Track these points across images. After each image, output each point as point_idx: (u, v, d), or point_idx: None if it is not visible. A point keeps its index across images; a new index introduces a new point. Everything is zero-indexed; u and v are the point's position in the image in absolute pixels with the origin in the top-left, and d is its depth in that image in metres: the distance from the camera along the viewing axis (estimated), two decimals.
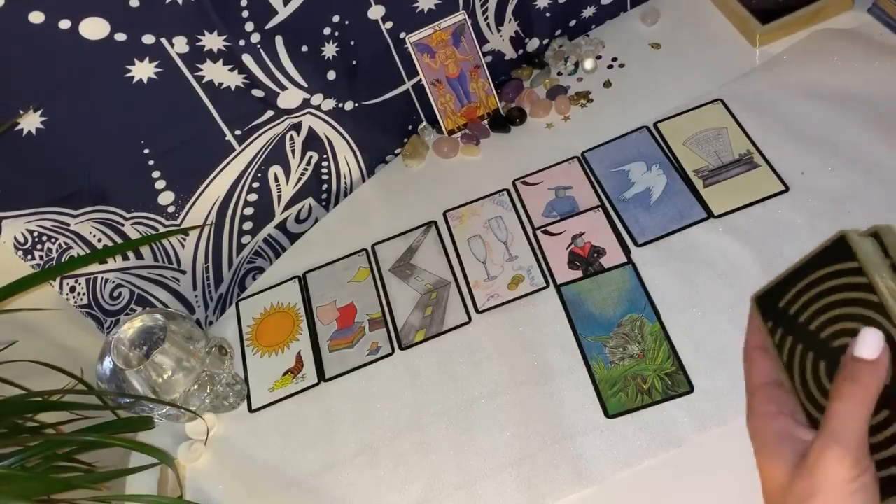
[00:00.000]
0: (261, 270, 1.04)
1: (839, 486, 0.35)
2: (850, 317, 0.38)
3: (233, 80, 0.85)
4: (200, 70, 0.82)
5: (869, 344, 0.35)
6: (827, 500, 0.35)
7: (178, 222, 0.92)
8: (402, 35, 0.95)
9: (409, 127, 1.07)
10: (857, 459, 0.35)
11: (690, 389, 0.75)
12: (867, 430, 0.35)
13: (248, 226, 1.00)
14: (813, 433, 0.38)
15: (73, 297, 0.88)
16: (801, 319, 0.40)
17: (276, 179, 0.98)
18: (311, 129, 0.96)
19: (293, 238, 1.06)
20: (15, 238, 0.81)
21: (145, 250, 0.92)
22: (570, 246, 0.89)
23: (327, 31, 0.88)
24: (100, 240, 0.87)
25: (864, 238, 0.39)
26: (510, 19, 1.02)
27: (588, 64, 1.05)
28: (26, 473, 0.72)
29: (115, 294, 0.92)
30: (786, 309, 0.41)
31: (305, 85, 0.90)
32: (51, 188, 0.81)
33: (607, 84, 1.03)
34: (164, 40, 0.77)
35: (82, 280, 0.88)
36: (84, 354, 0.91)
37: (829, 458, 0.35)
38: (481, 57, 1.00)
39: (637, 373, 0.77)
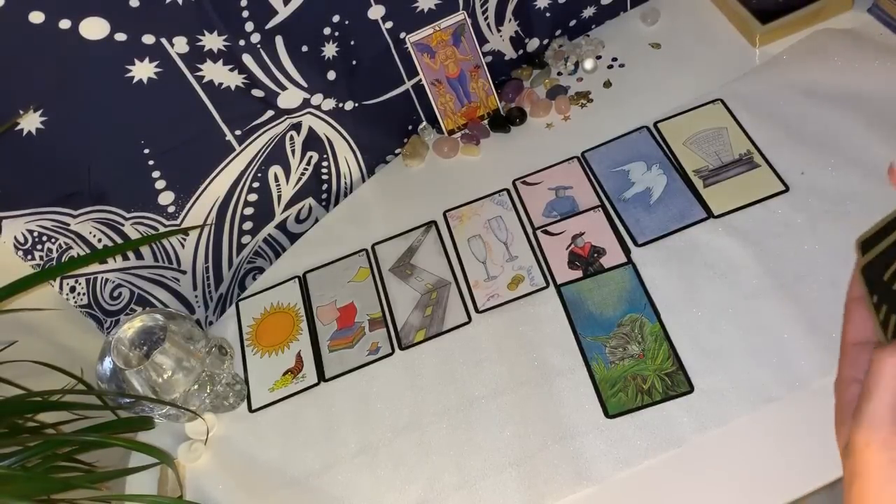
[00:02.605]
0: (261, 270, 1.04)
1: (877, 469, 0.34)
2: None
3: (233, 80, 0.85)
4: (200, 70, 0.82)
5: None
6: (868, 483, 0.34)
7: (178, 222, 0.92)
8: (402, 35, 0.95)
9: (409, 127, 1.07)
10: (888, 441, 0.34)
11: (690, 389, 0.75)
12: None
13: (248, 226, 1.00)
14: None
15: (73, 297, 0.88)
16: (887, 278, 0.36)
17: (276, 179, 0.98)
18: (311, 129, 0.96)
19: (293, 238, 1.06)
20: (15, 238, 0.81)
21: (145, 250, 0.92)
22: (570, 246, 0.89)
23: (327, 31, 0.88)
24: (100, 240, 0.87)
25: None
26: (510, 19, 1.02)
27: (588, 64, 1.05)
28: (26, 473, 0.72)
29: (115, 294, 0.92)
30: (880, 269, 0.37)
31: (305, 85, 0.90)
32: (51, 188, 0.81)
33: (607, 84, 1.03)
34: (164, 40, 0.77)
35: (82, 280, 0.88)
36: (84, 354, 0.91)
37: (858, 441, 0.34)
38: (481, 57, 1.00)
39: (637, 373, 0.77)
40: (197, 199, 0.92)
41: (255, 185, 0.96)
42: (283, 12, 0.83)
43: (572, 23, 1.08)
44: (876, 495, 0.34)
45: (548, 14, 1.05)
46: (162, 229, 0.91)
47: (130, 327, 0.81)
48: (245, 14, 0.80)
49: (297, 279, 0.98)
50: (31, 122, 0.75)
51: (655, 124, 0.96)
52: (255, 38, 0.82)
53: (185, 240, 0.94)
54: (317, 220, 1.05)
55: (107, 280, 0.91)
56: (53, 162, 0.79)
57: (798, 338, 0.75)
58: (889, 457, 0.34)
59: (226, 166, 0.92)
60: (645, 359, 0.78)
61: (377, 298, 0.92)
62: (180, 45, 0.78)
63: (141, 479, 0.84)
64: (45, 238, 0.83)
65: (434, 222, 0.97)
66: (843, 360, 0.39)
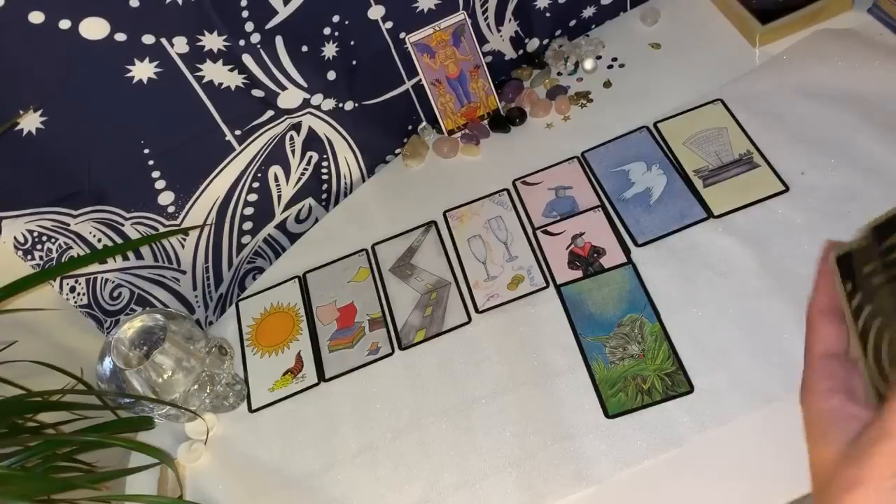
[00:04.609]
0: (261, 270, 1.04)
1: (887, 479, 0.33)
2: None
3: (233, 80, 0.85)
4: (200, 70, 0.82)
5: None
6: (870, 492, 0.34)
7: (178, 222, 0.92)
8: (402, 35, 0.95)
9: (409, 127, 1.07)
10: None
11: (690, 389, 0.75)
12: None
13: (248, 226, 1.00)
14: (868, 410, 0.36)
15: (73, 297, 0.88)
16: (880, 284, 0.35)
17: (276, 179, 0.98)
18: (311, 129, 0.96)
19: (293, 238, 1.06)
20: (15, 238, 0.81)
21: (145, 250, 0.92)
22: (570, 246, 0.89)
23: (327, 31, 0.88)
24: (100, 240, 0.87)
25: None
26: (510, 19, 1.02)
27: (588, 64, 1.05)
28: (26, 473, 0.72)
29: (115, 294, 0.92)
30: (866, 271, 0.36)
31: (305, 85, 0.90)
32: (51, 188, 0.81)
33: (607, 84, 1.03)
34: (164, 40, 0.77)
35: (82, 280, 0.88)
36: (84, 354, 0.91)
37: (882, 452, 0.33)
38: (481, 57, 1.00)
39: (637, 373, 0.77)
40: (197, 199, 0.92)
41: (255, 185, 0.96)
42: (283, 12, 0.83)
43: (572, 23, 1.08)
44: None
45: (548, 14, 1.05)
46: (162, 229, 0.91)
47: (130, 327, 0.81)
48: (245, 14, 0.80)
49: (297, 279, 0.98)
50: (31, 122, 0.75)
51: (655, 124, 0.96)
52: (255, 38, 0.82)
53: (185, 240, 0.94)
54: (317, 220, 1.05)
55: (107, 280, 0.91)
56: (53, 162, 0.79)
57: (798, 338, 0.74)
58: None
59: (226, 166, 0.92)
60: (645, 359, 0.78)
61: (377, 298, 0.92)
62: (180, 45, 0.78)
63: (141, 479, 0.84)
64: (45, 238, 0.83)
65: (434, 222, 0.97)
66: (812, 372, 0.39)
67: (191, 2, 0.76)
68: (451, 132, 1.05)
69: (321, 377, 0.88)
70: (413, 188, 1.03)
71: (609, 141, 0.97)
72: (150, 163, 0.85)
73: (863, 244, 0.36)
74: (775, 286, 0.78)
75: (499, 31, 1.02)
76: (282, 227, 1.05)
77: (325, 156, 1.01)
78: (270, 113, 0.91)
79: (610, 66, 1.05)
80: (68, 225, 0.84)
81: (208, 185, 0.92)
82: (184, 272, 0.97)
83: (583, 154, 0.97)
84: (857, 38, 0.94)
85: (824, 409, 0.37)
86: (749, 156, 0.89)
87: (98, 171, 0.82)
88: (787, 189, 0.85)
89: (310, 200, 1.05)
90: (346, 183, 1.06)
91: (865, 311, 0.36)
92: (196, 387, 0.82)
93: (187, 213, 0.92)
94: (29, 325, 0.88)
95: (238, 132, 0.90)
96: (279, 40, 0.84)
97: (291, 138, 0.96)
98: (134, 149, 0.83)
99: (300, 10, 0.84)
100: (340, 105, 0.96)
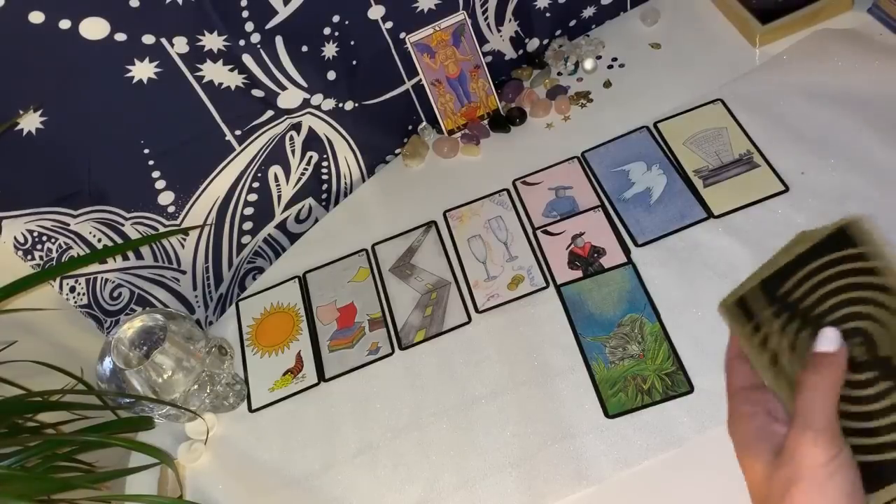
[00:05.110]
0: (261, 270, 1.04)
1: (818, 468, 0.37)
2: (854, 300, 0.40)
3: (233, 80, 0.85)
4: (200, 70, 0.82)
5: (829, 339, 0.39)
6: (808, 485, 0.37)
7: (178, 222, 0.92)
8: (402, 35, 0.95)
9: (409, 127, 1.07)
10: (831, 440, 0.37)
11: (690, 389, 0.75)
12: (836, 415, 0.38)
13: (248, 226, 1.00)
14: (785, 424, 0.40)
15: (73, 297, 0.88)
16: (805, 305, 0.42)
17: (276, 179, 0.98)
18: (311, 129, 0.96)
19: (293, 238, 1.06)
20: (15, 238, 0.81)
21: (145, 250, 0.92)
22: (570, 246, 0.89)
23: (327, 31, 0.88)
24: (100, 240, 0.87)
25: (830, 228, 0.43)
26: (510, 19, 1.02)
27: (588, 64, 1.05)
28: (26, 473, 0.72)
29: (115, 294, 0.92)
30: (785, 297, 0.43)
31: (305, 85, 0.90)
32: (51, 188, 0.81)
33: (607, 84, 1.03)
34: (164, 40, 0.77)
35: (82, 280, 0.88)
36: (84, 354, 0.91)
37: (804, 442, 0.37)
38: (481, 57, 1.00)
39: (637, 373, 0.77)
40: (197, 199, 0.92)
41: (255, 185, 0.96)
42: (283, 12, 0.83)
43: (572, 23, 1.08)
44: (820, 492, 0.37)
45: (548, 14, 1.05)
46: (162, 229, 0.91)
47: (130, 327, 0.81)
48: (245, 14, 0.80)
49: (297, 279, 0.98)
50: (31, 122, 0.75)
51: (655, 124, 0.96)
52: (255, 38, 0.82)
53: (185, 240, 0.94)
54: (317, 220, 1.05)
55: (107, 280, 0.91)
56: (53, 162, 0.79)
57: None
58: (829, 455, 0.37)
59: (226, 166, 0.92)
60: (645, 359, 0.78)
61: (377, 298, 0.92)
62: (180, 45, 0.78)
63: (141, 479, 0.84)
64: (45, 238, 0.83)
65: (434, 222, 0.97)
66: (734, 401, 0.44)
67: (191, 2, 0.76)
68: (451, 132, 1.05)
69: (321, 377, 0.88)
70: (413, 188, 1.03)
71: (609, 141, 0.97)
72: (150, 163, 0.85)
73: (751, 292, 0.45)
74: None
75: (499, 31, 1.02)
76: (282, 226, 1.05)
77: (325, 156, 1.01)
78: (270, 113, 0.91)
79: (610, 66, 1.05)
80: (68, 225, 0.84)
81: (208, 185, 0.92)
82: (184, 272, 0.97)
83: (583, 154, 0.97)
84: (857, 38, 0.94)
85: (751, 428, 0.41)
86: (749, 156, 0.89)
87: (98, 171, 0.82)
88: (787, 189, 0.85)
89: (310, 200, 1.05)
90: (346, 183, 1.06)
91: (772, 340, 0.42)
92: (196, 387, 0.82)
93: (187, 213, 0.92)
94: (29, 325, 0.88)
95: (238, 132, 0.90)
96: (279, 40, 0.84)
97: (291, 138, 0.96)
98: (134, 149, 0.83)
99: (300, 10, 0.84)
100: (340, 105, 0.96)
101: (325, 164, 1.02)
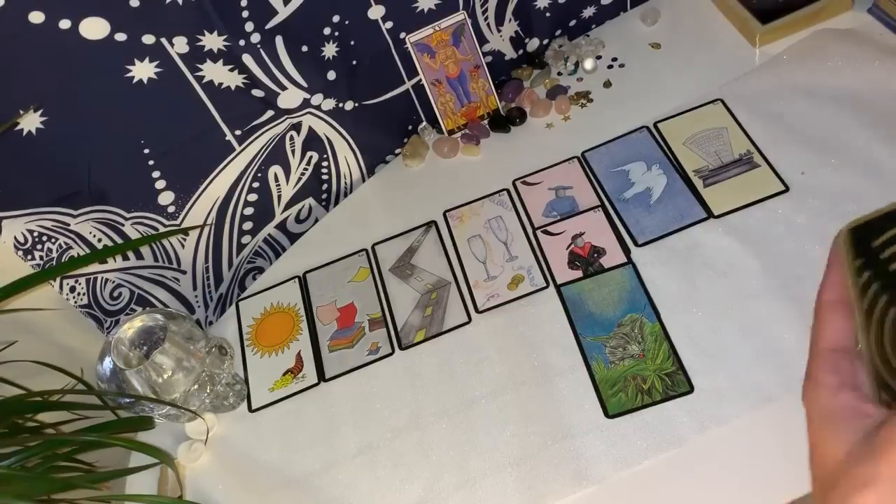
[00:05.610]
0: (261, 270, 1.04)
1: None
2: None
3: (233, 80, 0.85)
4: (200, 70, 0.82)
5: None
6: (885, 491, 0.32)
7: (178, 222, 0.92)
8: (402, 35, 0.95)
9: (409, 127, 1.07)
10: None
11: (690, 389, 0.75)
12: None
13: (248, 226, 1.00)
14: (880, 408, 0.34)
15: (73, 297, 0.88)
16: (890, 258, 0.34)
17: (276, 179, 0.98)
18: (311, 129, 0.96)
19: (293, 238, 1.06)
20: (15, 238, 0.81)
21: (145, 250, 0.92)
22: (570, 246, 0.89)
23: (327, 31, 0.88)
24: (100, 240, 0.87)
25: None
26: (510, 19, 1.02)
27: (588, 64, 1.05)
28: (26, 473, 0.72)
29: (115, 294, 0.92)
30: (879, 252, 0.35)
31: (305, 85, 0.90)
32: (51, 188, 0.81)
33: (607, 84, 1.03)
34: (164, 40, 0.77)
35: (82, 280, 0.88)
36: (84, 354, 0.91)
37: None
38: (481, 57, 1.00)
39: (637, 373, 0.77)
40: (197, 199, 0.92)
41: (255, 185, 0.96)
42: (283, 12, 0.83)
43: (572, 23, 1.08)
44: None
45: (548, 14, 1.05)
46: (162, 229, 0.91)
47: (130, 327, 0.81)
48: (245, 14, 0.80)
49: (297, 279, 0.98)
50: (31, 122, 0.75)
51: (655, 124, 0.96)
52: (255, 38, 0.82)
53: (185, 240, 0.94)
54: (317, 220, 1.05)
55: (107, 280, 0.91)
56: (53, 162, 0.79)
57: (798, 338, 0.75)
58: None
59: (226, 166, 0.92)
60: (645, 359, 0.78)
61: (377, 298, 0.92)
62: (180, 45, 0.78)
63: (141, 479, 0.84)
64: (45, 238, 0.83)
65: (434, 222, 0.97)
66: (818, 363, 0.37)
67: (191, 2, 0.76)
68: (451, 132, 1.05)
69: (321, 377, 0.88)
70: (413, 188, 1.03)
71: (609, 141, 0.97)
72: (151, 163, 0.85)
73: (880, 216, 0.35)
74: (775, 286, 0.78)
75: (499, 30, 1.02)
76: (282, 226, 1.05)
77: (325, 156, 1.01)
78: (270, 113, 0.91)
79: (610, 66, 1.05)
80: (68, 225, 0.84)
81: (208, 184, 0.92)
82: (184, 272, 0.97)
83: (583, 154, 0.97)
84: (857, 38, 0.94)
85: (834, 405, 0.35)
86: (749, 156, 0.89)
87: (98, 171, 0.82)
88: (787, 189, 0.85)
89: (310, 200, 1.05)
90: (346, 183, 1.06)
91: (873, 287, 0.34)
92: (196, 387, 0.82)
93: (187, 212, 0.92)
94: (29, 325, 0.88)
95: (238, 132, 0.90)
96: (279, 40, 0.84)
97: (291, 138, 0.96)
98: (134, 149, 0.83)
99: (300, 10, 0.84)
100: (340, 105, 0.96)
101: (325, 164, 1.02)
